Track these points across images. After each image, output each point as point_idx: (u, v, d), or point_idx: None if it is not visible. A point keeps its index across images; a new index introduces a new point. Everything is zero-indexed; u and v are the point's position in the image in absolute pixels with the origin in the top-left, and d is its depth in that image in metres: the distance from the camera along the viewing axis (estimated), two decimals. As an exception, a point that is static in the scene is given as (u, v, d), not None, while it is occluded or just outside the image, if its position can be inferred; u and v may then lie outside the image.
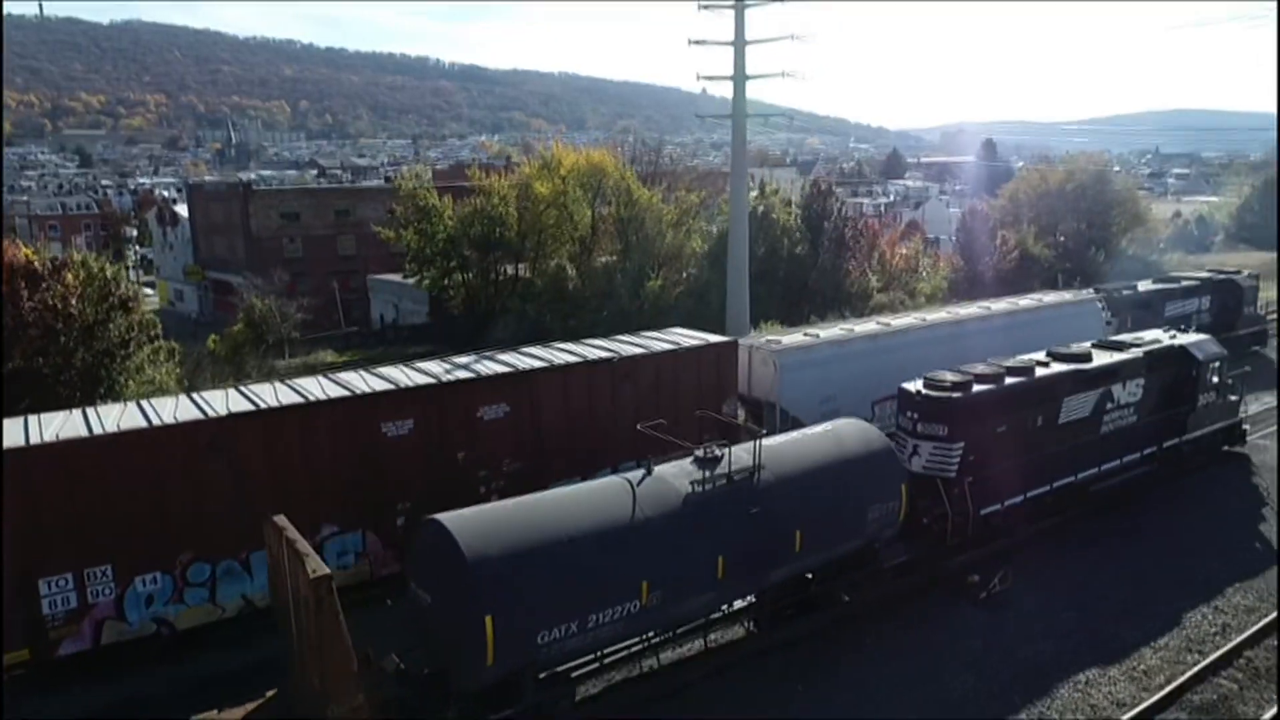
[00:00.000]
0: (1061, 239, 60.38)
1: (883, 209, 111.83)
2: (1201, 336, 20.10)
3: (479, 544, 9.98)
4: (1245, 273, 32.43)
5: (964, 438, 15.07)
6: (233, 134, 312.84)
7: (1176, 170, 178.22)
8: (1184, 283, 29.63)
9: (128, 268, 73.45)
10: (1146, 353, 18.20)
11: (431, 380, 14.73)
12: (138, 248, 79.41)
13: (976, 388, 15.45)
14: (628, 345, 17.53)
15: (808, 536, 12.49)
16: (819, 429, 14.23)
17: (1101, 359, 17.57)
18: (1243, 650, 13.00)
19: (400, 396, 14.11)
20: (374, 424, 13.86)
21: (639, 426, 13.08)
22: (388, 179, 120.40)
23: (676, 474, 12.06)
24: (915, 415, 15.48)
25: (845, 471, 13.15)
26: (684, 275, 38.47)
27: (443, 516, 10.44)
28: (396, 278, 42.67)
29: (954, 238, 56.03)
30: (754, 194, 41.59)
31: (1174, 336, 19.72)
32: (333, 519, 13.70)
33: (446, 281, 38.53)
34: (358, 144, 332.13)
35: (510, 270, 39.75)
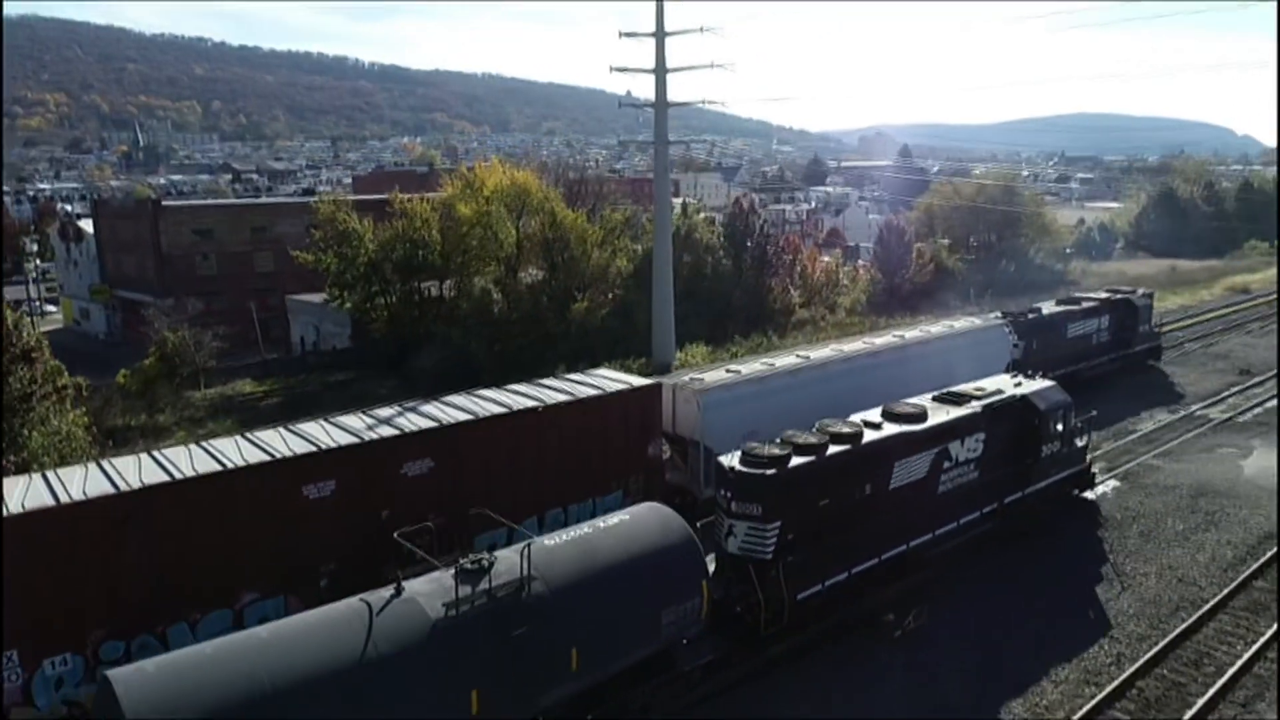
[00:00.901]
0: (974, 250, 62.75)
1: (805, 216, 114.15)
2: (1045, 384, 19.38)
3: (148, 711, 8.42)
4: (1140, 291, 34.20)
5: (780, 517, 13.90)
6: (140, 136, 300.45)
7: (1080, 175, 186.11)
8: (1084, 304, 31.10)
9: (27, 285, 70.06)
10: (986, 406, 17.39)
11: (354, 439, 14.58)
12: (38, 262, 75.75)
13: (796, 460, 14.24)
14: (552, 391, 17.64)
15: (587, 653, 11.12)
16: (613, 519, 12.62)
17: (938, 416, 16.65)
18: (1134, 681, 13.85)
19: (322, 458, 13.94)
20: (295, 487, 13.66)
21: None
22: (307, 191, 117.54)
23: (430, 593, 10.50)
24: (729, 494, 14.08)
25: (636, 572, 11.81)
26: (610, 296, 38.64)
27: (116, 674, 8.92)
28: (317, 298, 41.75)
29: (873, 249, 57.54)
30: (677, 214, 42.02)
31: (1018, 384, 19.02)
32: (253, 585, 13.47)
33: (369, 305, 37.93)
34: (274, 146, 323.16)
35: (435, 291, 39.38)
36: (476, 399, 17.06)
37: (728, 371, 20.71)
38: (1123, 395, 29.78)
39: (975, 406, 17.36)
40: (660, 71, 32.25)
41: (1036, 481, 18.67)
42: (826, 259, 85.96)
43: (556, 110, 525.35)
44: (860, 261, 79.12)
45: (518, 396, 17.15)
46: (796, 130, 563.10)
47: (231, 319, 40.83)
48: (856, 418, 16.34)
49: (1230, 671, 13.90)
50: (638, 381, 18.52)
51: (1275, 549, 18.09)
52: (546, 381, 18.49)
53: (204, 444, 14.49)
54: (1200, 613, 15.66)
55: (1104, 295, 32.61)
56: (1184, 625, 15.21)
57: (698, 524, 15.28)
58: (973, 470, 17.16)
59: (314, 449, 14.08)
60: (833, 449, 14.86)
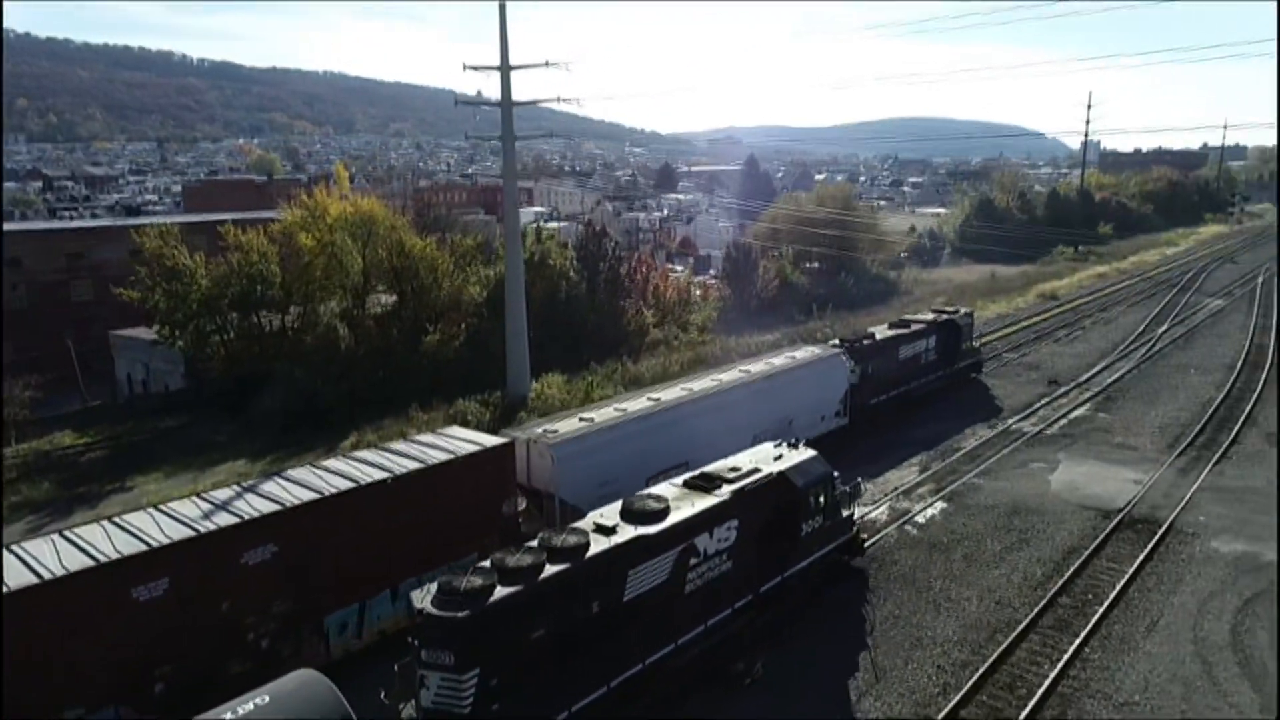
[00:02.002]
0: (816, 260, 65.68)
1: (658, 224, 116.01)
2: (806, 455, 18.55)
3: None
4: (962, 311, 36.95)
5: (478, 664, 11.99)
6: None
7: (912, 179, 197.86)
8: (913, 326, 33.30)
9: None
10: (738, 491, 16.27)
11: (189, 531, 13.88)
12: None
13: (500, 592, 12.40)
14: (402, 457, 17.33)
15: None
16: (249, 704, 10.10)
17: (683, 510, 15.32)
18: (958, 711, 15.08)
19: (153, 557, 13.19)
20: (122, 591, 12.89)
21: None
22: (129, 210, 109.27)
23: None
24: (417, 640, 12.24)
25: None
26: (463, 326, 38.16)
27: None
28: (146, 334, 39.03)
29: (722, 266, 59.27)
30: (530, 240, 41.96)
31: (779, 457, 18.15)
32: (79, 699, 12.62)
33: (204, 343, 35.82)
34: (90, 148, 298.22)
35: (277, 324, 37.66)
36: (320, 472, 16.56)
37: (580, 420, 20.95)
38: (948, 412, 32.13)
39: (725, 493, 16.14)
40: (506, 104, 32.14)
41: (797, 562, 17.70)
42: (679, 269, 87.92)
43: (404, 111, 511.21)
44: (710, 272, 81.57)
45: (364, 466, 16.78)
46: (648, 132, 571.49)
47: (45, 370, 37.51)
48: (589, 520, 14.88)
49: (1039, 693, 15.37)
50: (490, 441, 18.48)
51: (1079, 564, 20.08)
52: (395, 446, 18.14)
53: (14, 547, 13.40)
54: (1014, 635, 17.19)
55: (930, 316, 34.98)
56: (999, 650, 16.66)
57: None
58: (725, 561, 15.93)
59: (144, 547, 13.33)
60: (550, 569, 13.05)
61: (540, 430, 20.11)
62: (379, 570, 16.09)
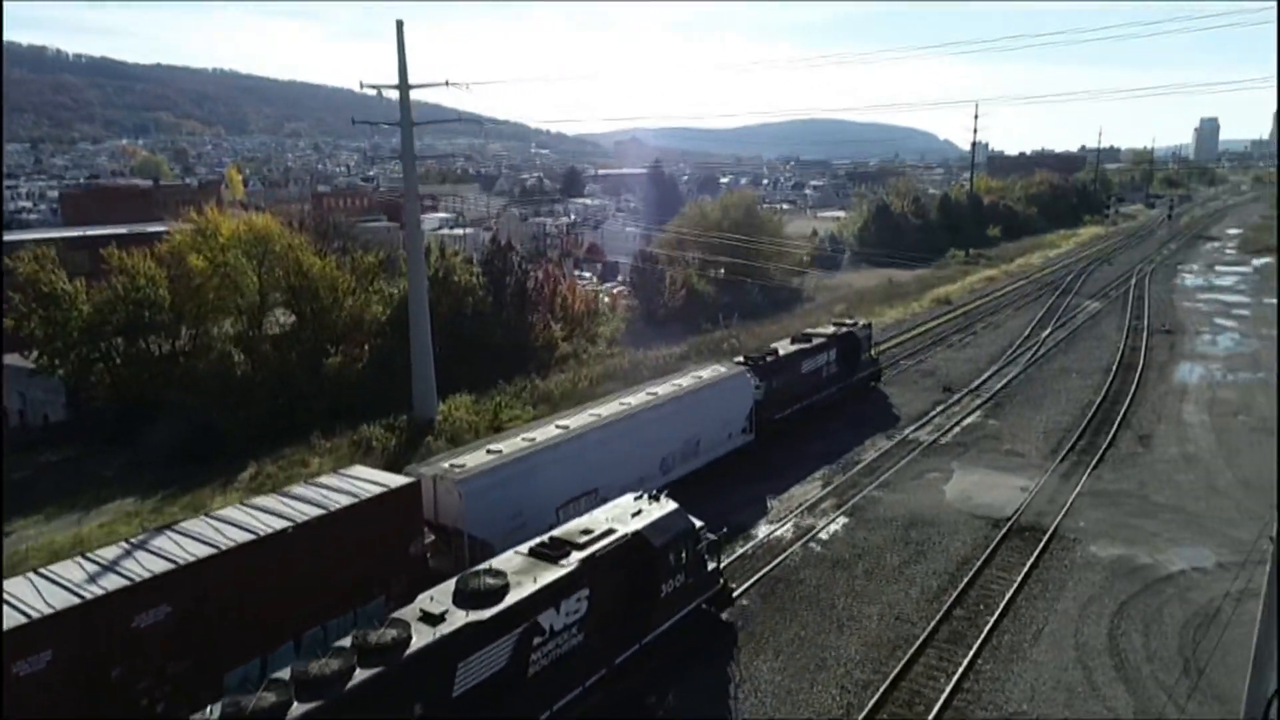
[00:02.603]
0: (721, 267, 66.60)
1: (565, 230, 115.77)
2: (665, 510, 17.68)
3: None
4: (861, 323, 38.23)
5: None
6: None
7: (813, 182, 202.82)
8: (814, 340, 34.27)
9: None
10: (588, 559, 15.24)
11: (73, 598, 13.22)
12: None
13: (296, 710, 10.91)
14: (302, 502, 16.87)
15: None
16: None
17: (524, 585, 14.17)
18: (862, 731, 15.69)
19: (33, 630, 12.51)
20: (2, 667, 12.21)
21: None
22: None
23: None
24: None
25: None
26: (365, 347, 37.34)
27: None
28: (23, 362, 36.82)
29: (629, 277, 59.63)
30: (434, 256, 41.36)
31: (637, 512, 17.32)
32: (-48, 786, 11.90)
33: (87, 370, 34.04)
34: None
35: (167, 349, 36.05)
36: (215, 523, 15.98)
37: (488, 452, 20.82)
38: (850, 423, 33.18)
39: (574, 561, 15.13)
40: (406, 124, 31.63)
41: (658, 625, 16.79)
42: (588, 276, 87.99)
43: (300, 111, 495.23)
44: (619, 278, 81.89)
45: (262, 515, 16.27)
46: (554, 133, 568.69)
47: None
48: (416, 606, 13.60)
49: (935, 709, 16.10)
50: (395, 481, 18.18)
51: (971, 575, 21.06)
52: (294, 490, 17.65)
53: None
54: (912, 651, 17.93)
55: (830, 330, 36.05)
56: (899, 667, 17.37)
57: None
58: (575, 635, 14.89)
59: (23, 619, 12.63)
60: (360, 675, 11.60)
61: (447, 465, 19.90)
62: (281, 622, 15.65)
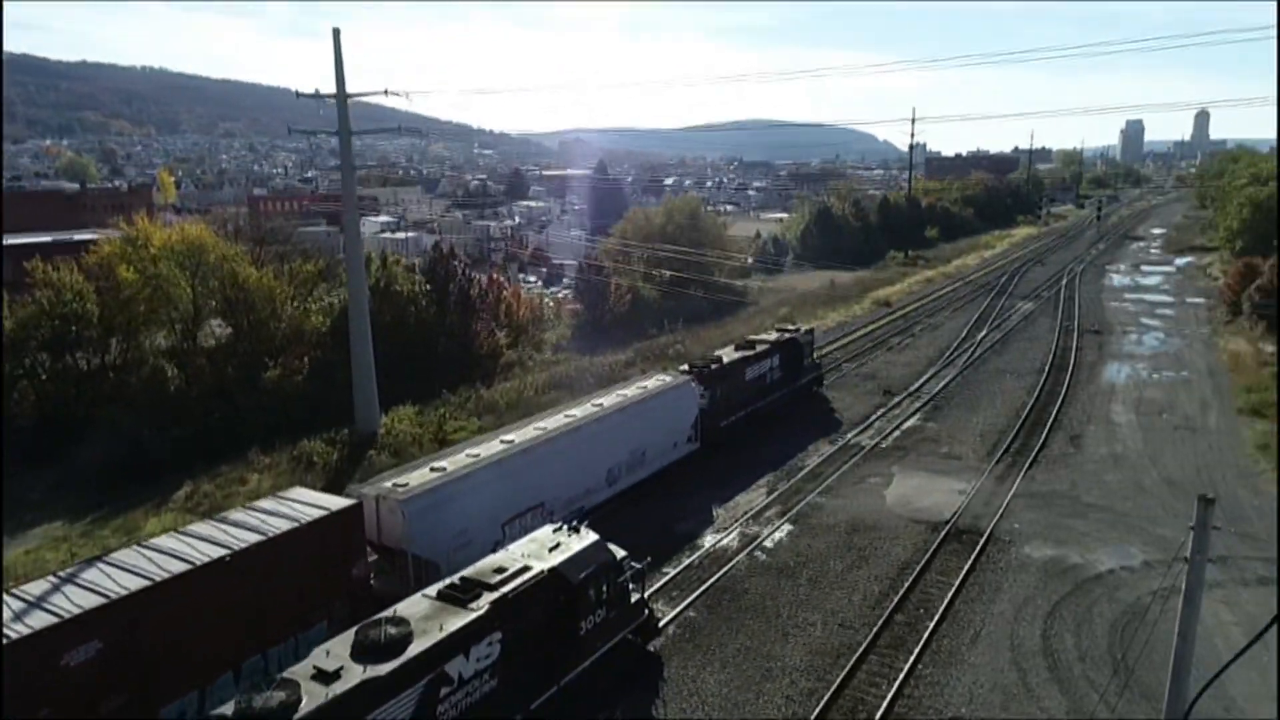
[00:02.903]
0: (667, 272, 66.88)
1: (510, 233, 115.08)
2: (585, 543, 16.96)
3: None
4: (803, 329, 38.78)
5: None
6: None
7: (756, 184, 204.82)
8: (758, 347, 34.61)
9: None
10: (499, 602, 14.47)
11: (-4, 638, 12.77)
12: None
13: None
14: (240, 528, 16.51)
15: None
16: None
17: (429, 634, 13.44)
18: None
19: (-46, 673, 12.08)
20: (-81, 714, 11.74)
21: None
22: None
23: None
24: None
25: None
26: (305, 359, 36.64)
27: None
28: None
29: (575, 283, 59.54)
30: (374, 265, 40.76)
31: (555, 546, 16.62)
32: None
33: (10, 388, 32.75)
34: None
35: (96, 363, 34.88)
36: (148, 552, 15.54)
37: (432, 470, 20.62)
38: (793, 429, 33.63)
39: (484, 605, 14.33)
40: (344, 133, 31.15)
41: (578, 664, 16.21)
42: (532, 281, 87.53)
43: (234, 110, 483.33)
44: (565, 281, 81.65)
45: (198, 543, 15.88)
46: (497, 133, 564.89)
47: None
48: (309, 663, 12.72)
49: (878, 716, 16.45)
50: (336, 503, 17.89)
51: (911, 580, 21.54)
52: (233, 516, 17.25)
53: None
54: (855, 658, 18.28)
55: (774, 336, 36.48)
56: (842, 674, 17.69)
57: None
58: (487, 681, 14.18)
59: (-57, 662, 12.16)
60: None
61: (389, 485, 19.66)
62: (220, 652, 15.31)
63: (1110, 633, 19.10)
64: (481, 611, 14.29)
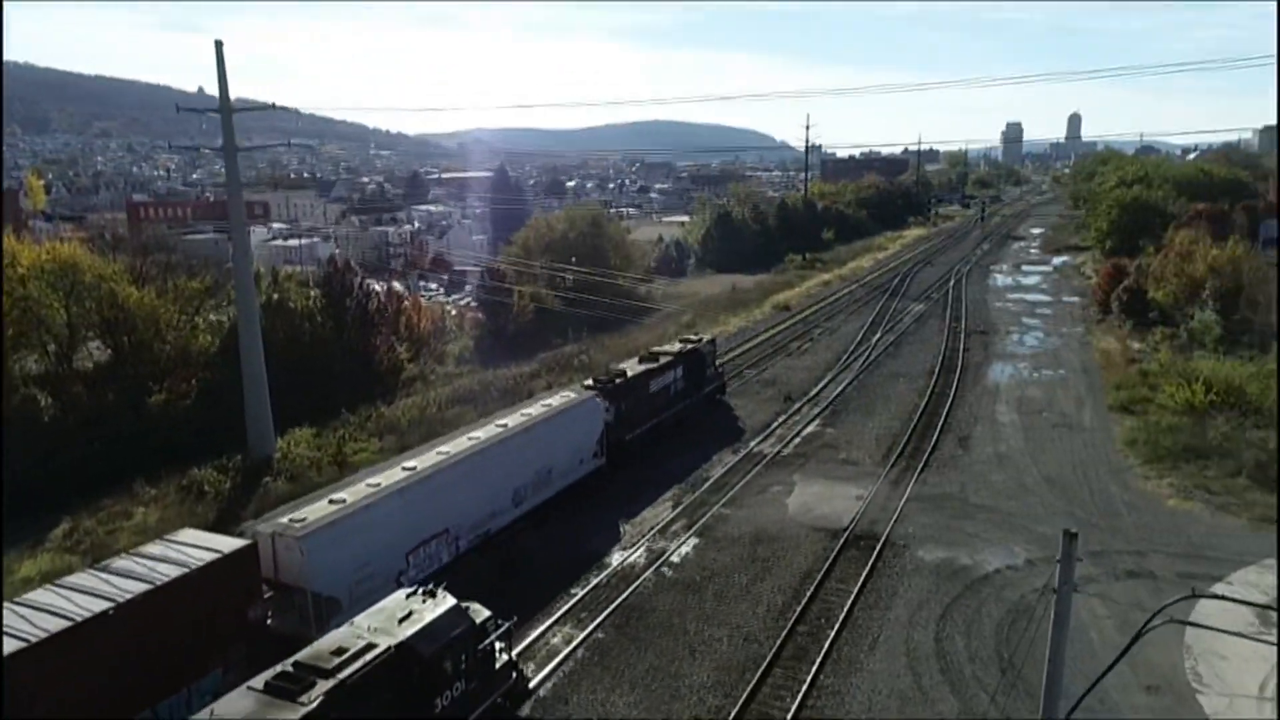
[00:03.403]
0: (570, 277, 66.82)
1: (409, 238, 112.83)
2: (441, 609, 15.47)
3: None
4: (705, 339, 39.37)
5: None
6: None
7: (658, 186, 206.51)
8: (661, 360, 34.98)
9: None
10: (334, 691, 12.97)
11: None
12: None
13: None
14: (123, 577, 15.71)
15: None
16: None
17: None
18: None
19: None
20: None
21: None
22: None
23: None
24: None
25: None
26: (193, 381, 35.10)
27: None
28: None
29: (476, 294, 58.85)
30: (265, 283, 39.39)
31: (407, 615, 15.16)
32: None
33: None
34: None
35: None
36: (21, 609, 14.65)
37: (331, 503, 20.08)
38: (697, 439, 34.14)
39: (318, 696, 12.80)
40: (230, 149, 30.01)
41: None
42: (433, 288, 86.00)
43: (110, 109, 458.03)
44: (467, 288, 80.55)
45: (78, 596, 15.07)
46: (394, 134, 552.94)
47: None
48: None
49: (783, 730, 16.93)
50: (229, 545, 17.26)
51: (813, 589, 22.19)
52: (116, 564, 16.40)
53: None
54: (760, 671, 18.73)
55: (677, 347, 36.93)
56: (748, 689, 18.10)
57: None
58: None
59: None
60: None
61: (286, 520, 19.05)
62: (107, 709, 14.57)
63: (997, 633, 20.13)
64: (313, 706, 12.56)
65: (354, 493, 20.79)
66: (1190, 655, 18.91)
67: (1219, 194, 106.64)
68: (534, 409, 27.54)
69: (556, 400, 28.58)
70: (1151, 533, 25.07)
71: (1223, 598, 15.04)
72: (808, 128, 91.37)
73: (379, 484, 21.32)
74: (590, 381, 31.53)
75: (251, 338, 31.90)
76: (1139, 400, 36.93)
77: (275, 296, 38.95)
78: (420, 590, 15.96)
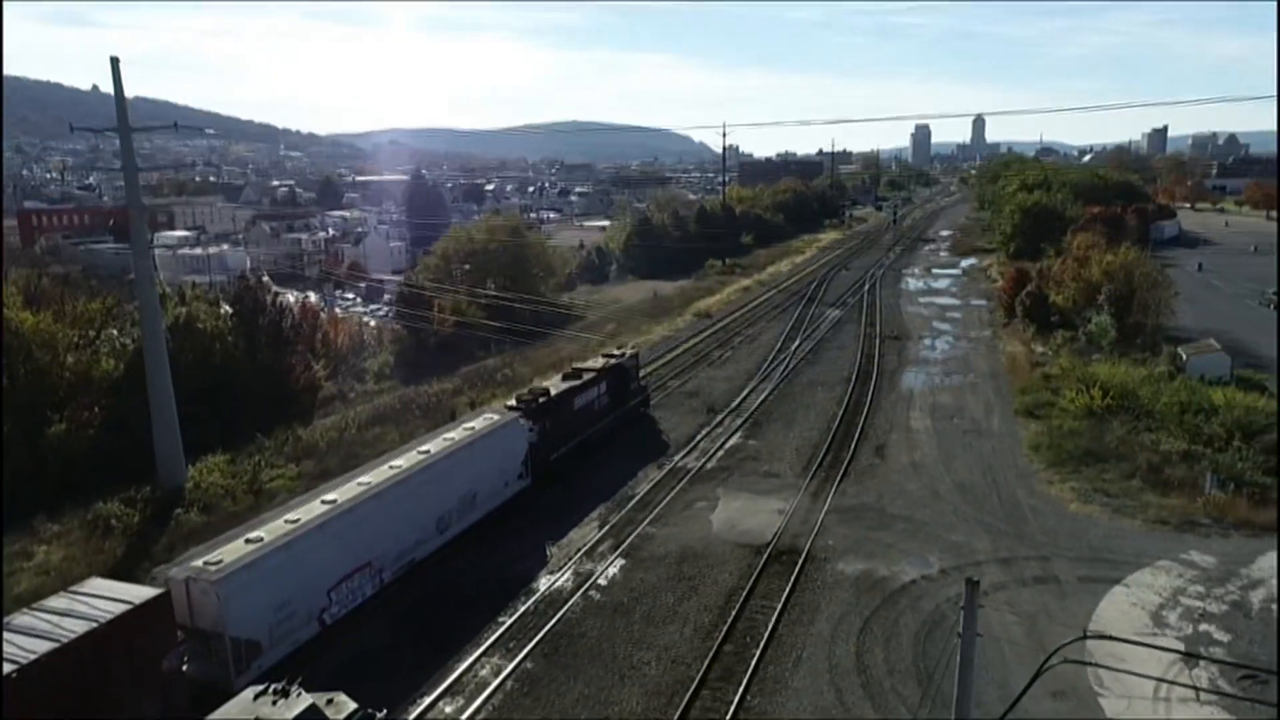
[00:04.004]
0: (491, 284, 66.23)
1: (323, 246, 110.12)
2: (293, 713, 13.06)
3: None
4: (628, 354, 39.61)
5: None
6: None
7: (578, 189, 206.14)
8: (585, 376, 35.06)
9: None
10: None
11: None
12: None
13: None
14: (25, 635, 15.02)
15: None
16: None
17: None
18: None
19: None
20: None
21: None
22: None
23: None
24: None
25: None
26: (96, 409, 33.58)
27: None
28: None
29: (395, 307, 57.88)
30: (172, 304, 37.98)
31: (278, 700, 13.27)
32: None
33: None
34: None
35: None
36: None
37: (247, 542, 19.56)
38: (622, 455, 34.35)
39: None
40: (130, 168, 28.86)
41: None
42: (350, 298, 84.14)
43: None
44: (386, 297, 79.07)
45: (-25, 660, 14.34)
46: (305, 134, 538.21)
47: None
48: None
49: (712, 754, 17.22)
50: (140, 595, 16.66)
51: (738, 607, 22.61)
52: (18, 620, 15.64)
53: None
54: (689, 694, 19.00)
55: (600, 364, 37.02)
56: (677, 714, 18.34)
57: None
58: None
59: None
60: None
61: (201, 564, 18.47)
62: (8, 779, 13.92)
63: (915, 645, 20.85)
64: None
65: (272, 530, 20.30)
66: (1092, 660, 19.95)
67: (1113, 197, 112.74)
68: (456, 432, 27.31)
69: (479, 423, 28.38)
70: (1055, 537, 26.33)
71: (1110, 638, 15.96)
72: (724, 135, 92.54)
73: (298, 520, 20.86)
74: (514, 401, 31.40)
75: (158, 365, 30.79)
76: (1043, 404, 38.65)
77: (183, 316, 37.51)
78: (270, 689, 13.53)
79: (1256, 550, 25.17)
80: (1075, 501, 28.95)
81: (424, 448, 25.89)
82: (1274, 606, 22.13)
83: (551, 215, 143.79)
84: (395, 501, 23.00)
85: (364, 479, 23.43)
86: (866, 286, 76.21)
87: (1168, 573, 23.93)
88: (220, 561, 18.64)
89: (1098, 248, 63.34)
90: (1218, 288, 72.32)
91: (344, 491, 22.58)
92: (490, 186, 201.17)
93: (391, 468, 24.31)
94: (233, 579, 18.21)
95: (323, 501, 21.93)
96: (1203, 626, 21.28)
